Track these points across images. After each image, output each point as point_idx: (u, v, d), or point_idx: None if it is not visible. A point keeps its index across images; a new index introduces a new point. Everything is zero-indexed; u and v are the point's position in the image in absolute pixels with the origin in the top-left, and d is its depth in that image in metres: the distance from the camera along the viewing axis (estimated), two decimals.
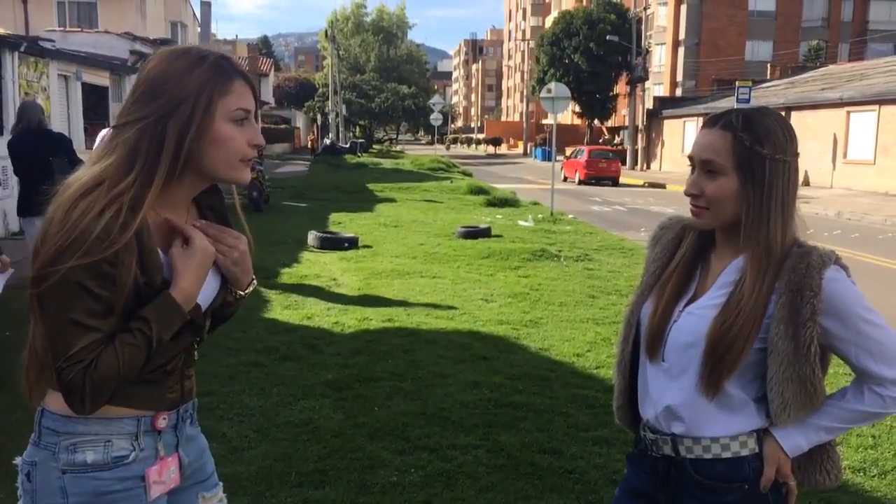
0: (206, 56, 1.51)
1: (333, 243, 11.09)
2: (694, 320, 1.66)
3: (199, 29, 30.27)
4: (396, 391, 4.99)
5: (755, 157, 1.61)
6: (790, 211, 1.64)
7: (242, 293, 1.69)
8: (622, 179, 31.39)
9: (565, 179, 31.72)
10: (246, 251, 1.65)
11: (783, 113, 30.70)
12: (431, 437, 4.21)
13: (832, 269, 1.58)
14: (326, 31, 62.25)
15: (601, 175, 30.27)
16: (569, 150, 37.04)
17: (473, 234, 12.24)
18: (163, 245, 1.52)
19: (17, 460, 1.55)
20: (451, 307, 7.45)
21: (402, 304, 7.57)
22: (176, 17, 30.34)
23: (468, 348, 6.04)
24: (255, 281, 1.73)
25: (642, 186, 30.15)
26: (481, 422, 4.47)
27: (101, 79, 16.66)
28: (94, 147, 1.57)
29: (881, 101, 25.42)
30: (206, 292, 1.59)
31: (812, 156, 29.11)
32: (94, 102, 16.03)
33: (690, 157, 1.70)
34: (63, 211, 1.40)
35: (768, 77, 42.44)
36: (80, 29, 21.69)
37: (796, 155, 1.67)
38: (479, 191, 21.58)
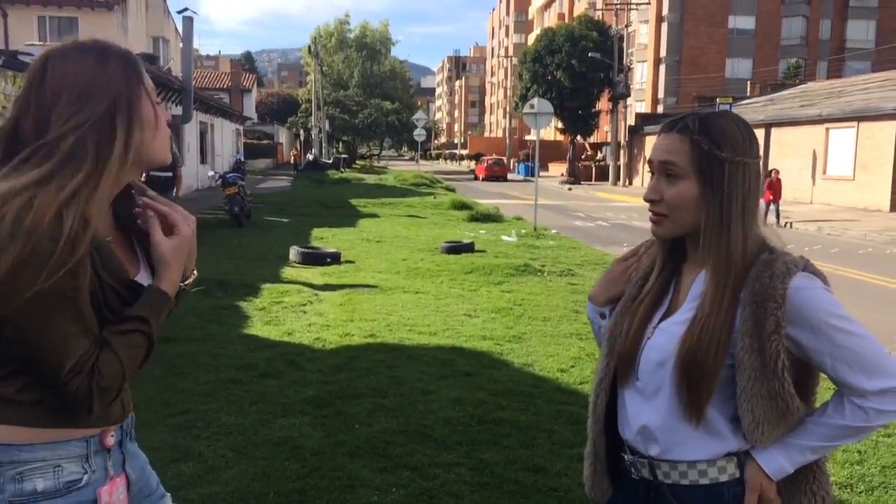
0: (106, 47, 1.49)
1: (315, 258, 11.00)
2: (665, 337, 1.58)
3: (181, 44, 30.21)
4: (378, 408, 4.90)
5: (713, 161, 1.53)
6: (752, 216, 1.55)
7: (184, 285, 1.60)
8: (601, 195, 32.28)
9: (476, 178, 47.93)
10: (194, 232, 1.58)
11: (763, 129, 31.07)
12: (413, 455, 4.13)
13: (799, 276, 1.49)
14: (310, 47, 62.30)
15: (495, 174, 47.58)
16: (483, 160, 52.42)
17: (457, 249, 12.20)
18: (115, 238, 1.50)
19: None
20: (433, 323, 7.39)
21: (385, 319, 7.49)
22: (158, 32, 30.28)
23: (451, 364, 5.97)
24: (196, 273, 1.66)
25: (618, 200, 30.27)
26: (464, 439, 4.39)
27: None
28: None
29: (860, 117, 25.74)
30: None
31: (792, 172, 29.41)
32: None
33: (650, 161, 1.62)
34: (11, 217, 1.30)
35: (748, 94, 42.91)
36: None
37: (757, 157, 1.58)
38: (462, 206, 21.57)
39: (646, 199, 1.61)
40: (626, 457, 1.67)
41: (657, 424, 1.59)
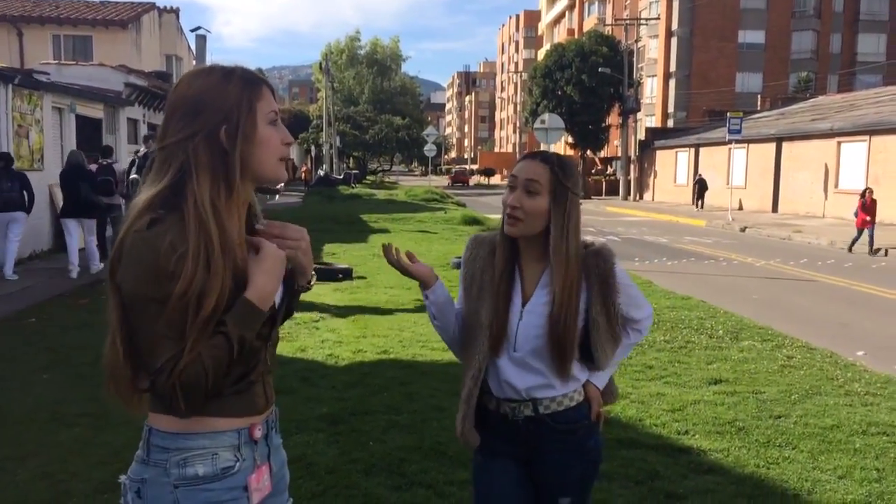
0: (232, 69, 1.63)
1: (327, 274, 11.02)
2: (534, 318, 2.15)
3: (194, 62, 30.45)
4: (392, 425, 4.90)
5: (562, 189, 2.14)
6: (580, 229, 2.18)
7: (307, 284, 1.78)
8: (612, 209, 32.42)
9: (452, 183, 64.08)
10: (309, 243, 1.74)
11: (774, 143, 30.99)
12: (428, 472, 4.12)
13: (615, 258, 2.20)
14: (321, 64, 62.72)
15: (461, 181, 68.53)
16: (452, 171, 72.78)
17: None
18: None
19: (123, 478, 1.63)
20: None
21: (398, 335, 7.49)
22: (171, 50, 30.53)
23: None
24: (315, 275, 1.81)
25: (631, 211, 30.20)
26: None
27: (95, 111, 16.69)
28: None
29: (871, 131, 25.63)
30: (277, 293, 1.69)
31: (804, 186, 29.29)
32: (88, 135, 16.04)
33: (514, 178, 2.17)
34: (141, 239, 1.48)
35: (759, 108, 42.84)
36: (75, 62, 21.79)
37: (581, 194, 2.25)
38: (473, 221, 21.61)
39: (510, 206, 2.14)
40: (508, 406, 2.21)
41: (538, 380, 2.18)
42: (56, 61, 21.61)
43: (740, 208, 28.66)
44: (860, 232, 16.46)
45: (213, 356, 1.50)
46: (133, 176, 11.18)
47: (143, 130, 20.22)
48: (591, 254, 2.18)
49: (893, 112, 26.62)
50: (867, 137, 25.83)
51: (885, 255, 16.35)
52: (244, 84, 1.60)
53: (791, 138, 30.35)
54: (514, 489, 2.26)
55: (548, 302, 2.13)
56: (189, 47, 32.49)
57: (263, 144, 1.61)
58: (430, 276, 2.25)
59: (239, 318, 1.54)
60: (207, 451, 1.59)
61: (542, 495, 2.31)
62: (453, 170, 70.05)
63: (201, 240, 1.49)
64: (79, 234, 11.36)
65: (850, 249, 16.73)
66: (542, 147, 17.82)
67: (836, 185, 27.40)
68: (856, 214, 16.71)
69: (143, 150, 12.05)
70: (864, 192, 16.68)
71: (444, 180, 71.53)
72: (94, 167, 12.13)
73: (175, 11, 30.92)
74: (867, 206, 16.30)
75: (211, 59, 20.53)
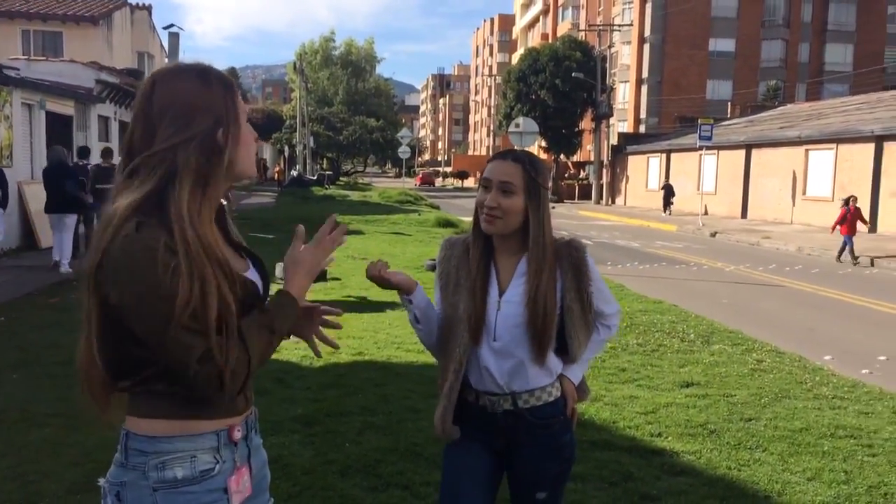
0: (204, 68, 1.63)
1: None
2: (512, 308, 2.24)
3: (166, 59, 30.13)
4: (368, 426, 4.90)
5: (534, 185, 2.23)
6: (550, 220, 2.28)
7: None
8: (584, 213, 32.67)
9: (420, 184, 68.49)
10: (325, 250, 1.81)
11: (744, 150, 31.43)
12: (405, 473, 4.13)
13: (587, 250, 2.31)
14: (295, 64, 62.42)
15: (427, 182, 73.22)
16: (419, 173, 76.66)
17: None
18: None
19: (102, 481, 1.62)
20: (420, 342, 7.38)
21: (372, 337, 7.49)
22: (143, 47, 30.19)
23: None
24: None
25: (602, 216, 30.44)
26: None
27: (66, 108, 16.45)
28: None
29: (838, 139, 26.11)
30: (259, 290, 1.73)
31: (772, 192, 29.74)
32: (59, 132, 15.80)
33: (488, 179, 2.24)
34: (131, 242, 1.47)
35: (728, 115, 43.40)
36: (45, 58, 21.46)
37: (550, 187, 2.38)
38: (447, 223, 21.63)
39: (487, 206, 2.22)
40: (487, 398, 2.28)
41: (517, 367, 2.25)
42: (25, 57, 21.26)
43: (705, 213, 29.00)
44: (848, 239, 15.90)
45: (260, 348, 1.58)
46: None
47: (115, 128, 19.97)
48: (564, 244, 2.30)
49: (859, 121, 27.15)
50: (834, 146, 26.31)
51: (872, 264, 16.00)
52: (224, 85, 1.63)
53: (760, 145, 30.81)
54: (484, 468, 2.33)
55: (525, 291, 2.22)
56: (161, 45, 32.17)
57: (245, 143, 1.66)
58: (411, 283, 2.27)
59: (282, 311, 1.65)
60: (186, 454, 1.58)
61: (518, 489, 2.38)
62: (420, 172, 74.24)
63: (188, 257, 1.49)
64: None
65: (838, 258, 16.24)
66: None
67: (804, 192, 27.86)
68: (842, 222, 16.07)
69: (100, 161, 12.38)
70: (849, 199, 16.28)
71: (413, 182, 71.81)
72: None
73: (147, 8, 30.59)
74: (851, 213, 15.90)
75: (183, 57, 20.35)
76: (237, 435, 1.68)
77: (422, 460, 4.33)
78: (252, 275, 1.72)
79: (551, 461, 2.34)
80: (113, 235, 1.48)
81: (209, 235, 1.56)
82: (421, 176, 73.83)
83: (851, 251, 16.01)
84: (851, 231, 15.94)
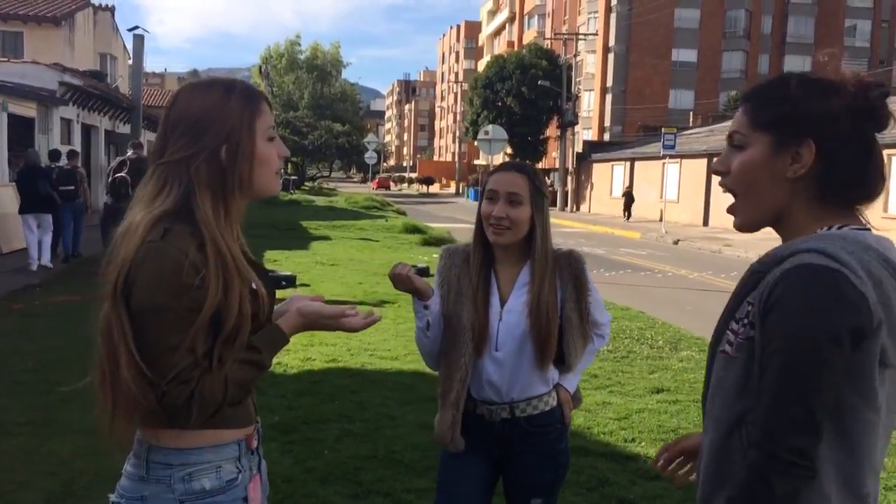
0: (232, 85, 1.65)
1: (271, 282, 10.89)
2: (514, 316, 2.28)
3: (129, 61, 29.73)
4: (346, 433, 4.91)
5: (539, 195, 2.30)
6: (550, 231, 2.35)
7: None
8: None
9: (376, 188, 67.48)
10: (340, 326, 1.78)
11: (705, 159, 31.96)
12: (385, 480, 4.16)
13: (585, 261, 2.38)
14: (260, 67, 61.93)
15: (384, 186, 73.53)
16: (377, 178, 75.06)
17: None
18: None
19: (113, 497, 1.61)
20: (394, 347, 7.41)
21: (345, 344, 7.48)
22: (106, 48, 29.76)
23: (414, 389, 6.00)
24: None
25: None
26: (435, 465, 4.38)
27: (28, 110, 16.17)
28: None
29: None
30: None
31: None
32: (20, 133, 15.52)
33: (495, 191, 2.28)
34: (156, 250, 1.49)
35: (691, 124, 44.13)
36: (5, 59, 21.04)
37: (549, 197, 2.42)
38: (414, 230, 21.64)
39: (496, 218, 2.26)
40: (486, 407, 2.33)
41: (517, 376, 2.30)
42: None
43: (661, 219, 29.49)
44: None
45: (239, 378, 1.55)
46: (120, 175, 11.75)
47: (77, 130, 19.65)
48: (564, 254, 2.36)
49: None
50: None
51: None
52: (245, 101, 1.62)
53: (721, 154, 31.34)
54: (482, 476, 2.38)
55: (527, 301, 2.27)
56: (124, 46, 31.73)
57: (262, 162, 1.65)
58: (429, 291, 2.29)
59: (271, 345, 1.63)
60: (212, 465, 1.60)
61: (514, 496, 2.44)
62: (377, 177, 74.78)
63: (218, 262, 1.51)
64: (36, 230, 11.72)
65: None
66: (484, 157, 18.03)
67: None
68: None
69: (130, 153, 12.52)
70: None
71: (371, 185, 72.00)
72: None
73: (111, 10, 30.17)
74: None
75: (145, 59, 20.14)
76: (254, 443, 1.71)
77: (402, 467, 4.36)
78: (260, 288, 1.72)
79: (548, 468, 2.39)
80: (138, 244, 1.49)
81: (234, 245, 1.60)
82: (377, 180, 74.78)
83: None
84: None
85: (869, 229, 1.39)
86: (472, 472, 2.37)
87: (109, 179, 12.29)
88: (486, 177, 2.37)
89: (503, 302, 2.32)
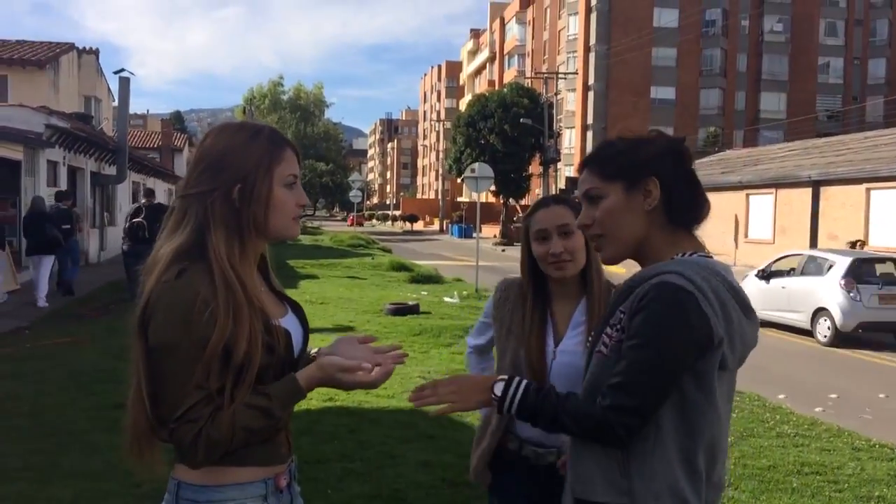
0: (260, 130, 1.69)
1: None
2: (570, 357, 2.19)
3: (114, 104, 29.81)
4: (347, 473, 4.90)
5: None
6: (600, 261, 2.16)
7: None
8: None
9: (350, 225, 64.67)
10: (366, 383, 1.79)
11: None
12: None
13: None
14: (244, 108, 62.30)
15: (358, 223, 67.94)
16: (350, 216, 72.83)
17: (402, 310, 12.25)
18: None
19: None
20: (390, 385, 7.40)
21: None
22: (91, 91, 29.83)
23: (413, 427, 6.00)
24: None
25: None
26: (439, 503, 4.43)
27: (15, 153, 16.14)
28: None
29: (777, 184, 27.17)
30: (297, 337, 1.77)
31: (716, 235, 30.57)
32: (7, 176, 15.49)
33: (545, 230, 2.24)
34: (171, 288, 1.53)
35: None
36: None
37: None
38: (401, 267, 21.67)
39: (555, 254, 2.21)
40: (533, 449, 2.25)
41: None
42: None
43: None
44: None
45: (246, 423, 1.54)
46: (137, 220, 12.60)
47: (63, 172, 19.63)
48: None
49: (796, 167, 28.31)
50: (773, 190, 27.36)
51: None
52: (268, 146, 1.66)
53: (704, 189, 31.76)
54: None
55: (582, 341, 2.20)
56: (109, 88, 31.84)
57: (277, 207, 1.66)
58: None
59: (285, 396, 1.61)
60: (236, 503, 1.61)
61: None
62: (350, 215, 76.57)
63: (227, 293, 1.54)
64: (40, 268, 12.56)
65: None
66: (473, 196, 18.14)
67: (746, 235, 28.81)
68: None
69: (143, 201, 13.53)
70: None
71: (367, 227, 71.92)
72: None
73: (95, 52, 30.30)
74: None
75: (132, 101, 20.18)
76: (283, 483, 1.70)
77: None
78: (289, 322, 1.76)
79: None
80: (156, 281, 1.55)
81: (251, 282, 1.62)
82: (352, 218, 75.99)
83: None
84: None
85: (712, 256, 1.75)
86: None
87: (127, 225, 12.85)
88: (526, 219, 2.36)
89: (558, 341, 2.27)
